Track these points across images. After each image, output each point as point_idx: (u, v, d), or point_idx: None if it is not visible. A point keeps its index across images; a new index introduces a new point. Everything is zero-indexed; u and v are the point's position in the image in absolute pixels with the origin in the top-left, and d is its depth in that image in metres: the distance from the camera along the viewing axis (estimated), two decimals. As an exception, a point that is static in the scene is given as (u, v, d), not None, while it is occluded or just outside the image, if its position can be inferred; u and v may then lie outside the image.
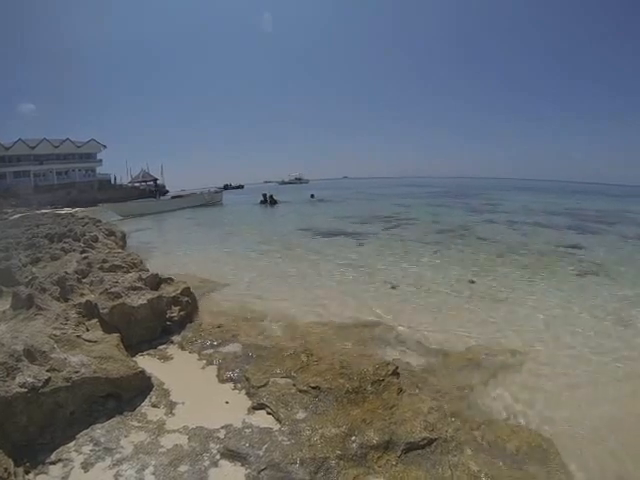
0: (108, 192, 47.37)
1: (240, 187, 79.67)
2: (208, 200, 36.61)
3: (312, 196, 41.20)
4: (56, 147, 52.24)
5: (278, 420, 3.39)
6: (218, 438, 3.14)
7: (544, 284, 8.39)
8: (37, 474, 2.77)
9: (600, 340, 5.60)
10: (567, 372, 4.66)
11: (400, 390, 3.81)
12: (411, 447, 3.08)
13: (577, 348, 5.33)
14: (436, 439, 3.16)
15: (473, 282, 8.45)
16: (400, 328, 5.87)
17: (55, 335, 4.04)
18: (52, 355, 3.56)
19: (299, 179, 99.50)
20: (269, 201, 34.36)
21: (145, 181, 38.90)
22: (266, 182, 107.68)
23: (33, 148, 49.95)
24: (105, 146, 58.01)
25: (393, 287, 8.16)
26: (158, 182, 38.51)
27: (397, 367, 4.14)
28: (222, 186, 60.73)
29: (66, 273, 6.19)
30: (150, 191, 38.43)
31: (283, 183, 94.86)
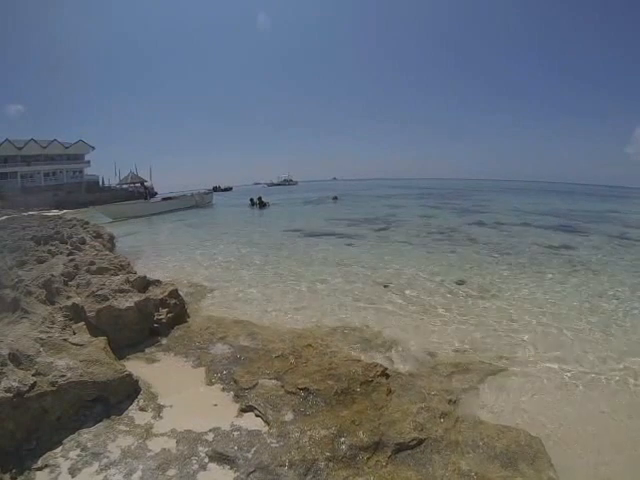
0: (96, 194, 46.97)
1: (229, 189, 79.17)
2: (199, 202, 36.35)
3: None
4: (44, 148, 51.68)
5: (267, 422, 3.38)
6: (206, 441, 3.12)
7: (533, 284, 8.46)
8: (23, 480, 2.73)
9: (589, 340, 5.66)
10: (555, 372, 4.70)
11: (389, 391, 3.82)
12: (401, 448, 3.09)
13: (566, 348, 5.37)
14: (426, 439, 3.18)
15: (462, 283, 8.50)
16: (389, 330, 5.88)
17: (41, 339, 4.00)
18: (38, 359, 3.53)
19: (288, 181, 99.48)
20: (258, 203, 33.50)
21: (133, 183, 38.55)
22: (255, 184, 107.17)
23: (20, 149, 49.38)
24: (93, 147, 57.60)
25: (383, 288, 8.18)
26: (147, 184, 38.15)
27: (386, 368, 4.15)
28: (211, 188, 60.27)
29: (52, 276, 6.12)
30: (139, 193, 38.04)
31: (272, 185, 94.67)
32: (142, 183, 37.38)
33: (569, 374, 4.64)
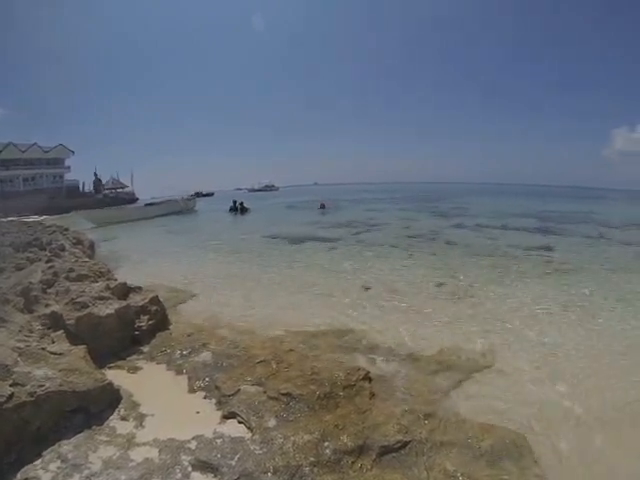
0: (77, 199, 46.13)
1: (210, 194, 78.46)
2: (183, 207, 36.06)
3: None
4: (23, 152, 50.51)
5: (250, 429, 3.36)
6: (189, 449, 3.09)
7: (513, 284, 8.61)
8: (2, 494, 2.67)
9: (570, 337, 5.79)
10: (538, 370, 4.80)
11: (372, 394, 3.84)
12: (386, 450, 3.11)
13: (547, 346, 5.49)
14: (410, 441, 3.20)
15: (443, 284, 8.59)
16: (371, 333, 5.90)
17: (19, 348, 3.91)
18: (15, 369, 3.45)
19: (269, 186, 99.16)
20: (239, 209, 32.75)
21: (114, 188, 38.06)
22: (237, 189, 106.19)
23: (-1, 153, 48.28)
24: (73, 152, 56.44)
25: (365, 291, 8.23)
26: (127, 189, 37.68)
27: (368, 372, 4.17)
28: (194, 193, 59.65)
29: (30, 283, 6.01)
30: (122, 198, 37.45)
31: (253, 190, 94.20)
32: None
33: (551, 371, 4.74)
